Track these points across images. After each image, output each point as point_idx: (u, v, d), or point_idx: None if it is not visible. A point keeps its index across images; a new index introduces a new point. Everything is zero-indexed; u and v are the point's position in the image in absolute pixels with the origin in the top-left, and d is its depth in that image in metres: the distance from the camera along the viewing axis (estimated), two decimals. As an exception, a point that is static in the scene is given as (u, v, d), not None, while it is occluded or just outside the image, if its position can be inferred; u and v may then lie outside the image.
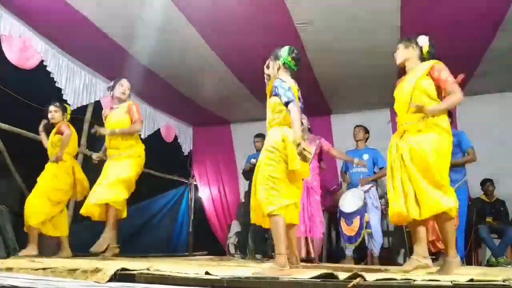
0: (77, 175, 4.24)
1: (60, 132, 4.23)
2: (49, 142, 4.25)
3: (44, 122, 4.42)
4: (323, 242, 4.89)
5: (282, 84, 2.78)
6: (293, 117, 2.68)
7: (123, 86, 4.05)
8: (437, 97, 2.72)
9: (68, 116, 4.44)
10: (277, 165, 2.70)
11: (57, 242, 4.19)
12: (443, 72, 2.68)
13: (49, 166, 4.18)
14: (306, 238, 4.56)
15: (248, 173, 5.30)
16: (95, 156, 4.16)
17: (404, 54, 2.88)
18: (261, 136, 5.44)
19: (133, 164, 3.91)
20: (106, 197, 3.74)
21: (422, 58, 2.85)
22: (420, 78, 2.73)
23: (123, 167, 3.86)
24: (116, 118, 4.01)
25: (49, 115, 4.33)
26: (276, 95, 2.79)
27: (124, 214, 3.98)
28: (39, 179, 4.14)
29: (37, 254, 3.86)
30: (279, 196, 2.66)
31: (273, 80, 2.86)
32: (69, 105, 4.62)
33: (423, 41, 2.84)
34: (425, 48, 2.84)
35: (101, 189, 3.79)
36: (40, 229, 4.01)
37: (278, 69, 2.90)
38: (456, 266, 2.53)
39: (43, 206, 4.01)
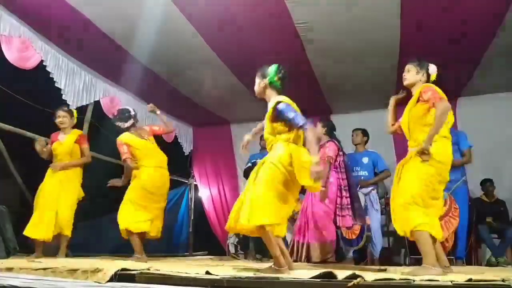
0: None
1: (79, 142, 4.27)
2: (67, 149, 4.20)
3: (41, 142, 4.25)
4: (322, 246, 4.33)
5: (288, 107, 2.69)
6: (310, 139, 2.64)
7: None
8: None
9: (75, 120, 4.42)
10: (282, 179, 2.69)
11: (57, 243, 4.16)
12: (427, 93, 2.81)
13: (78, 172, 4.25)
14: (298, 242, 4.32)
15: (249, 172, 5.27)
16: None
17: (415, 78, 3.00)
18: None
19: None
20: None
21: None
22: (413, 104, 2.90)
23: None
24: None
25: (58, 120, 4.24)
26: (284, 120, 2.71)
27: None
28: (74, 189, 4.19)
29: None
30: (281, 209, 2.70)
31: (274, 105, 2.73)
32: (75, 109, 4.60)
33: (434, 70, 2.99)
34: (433, 77, 2.99)
35: None
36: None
37: (265, 88, 2.86)
38: (429, 272, 2.43)
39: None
